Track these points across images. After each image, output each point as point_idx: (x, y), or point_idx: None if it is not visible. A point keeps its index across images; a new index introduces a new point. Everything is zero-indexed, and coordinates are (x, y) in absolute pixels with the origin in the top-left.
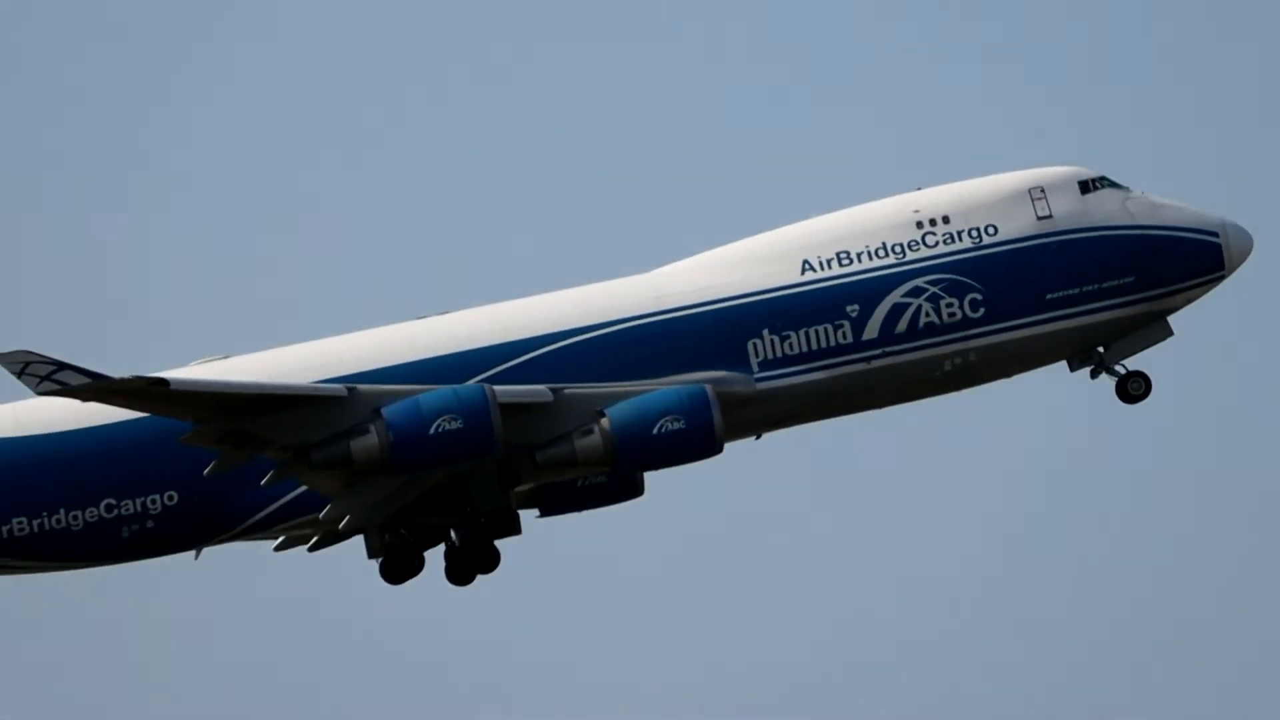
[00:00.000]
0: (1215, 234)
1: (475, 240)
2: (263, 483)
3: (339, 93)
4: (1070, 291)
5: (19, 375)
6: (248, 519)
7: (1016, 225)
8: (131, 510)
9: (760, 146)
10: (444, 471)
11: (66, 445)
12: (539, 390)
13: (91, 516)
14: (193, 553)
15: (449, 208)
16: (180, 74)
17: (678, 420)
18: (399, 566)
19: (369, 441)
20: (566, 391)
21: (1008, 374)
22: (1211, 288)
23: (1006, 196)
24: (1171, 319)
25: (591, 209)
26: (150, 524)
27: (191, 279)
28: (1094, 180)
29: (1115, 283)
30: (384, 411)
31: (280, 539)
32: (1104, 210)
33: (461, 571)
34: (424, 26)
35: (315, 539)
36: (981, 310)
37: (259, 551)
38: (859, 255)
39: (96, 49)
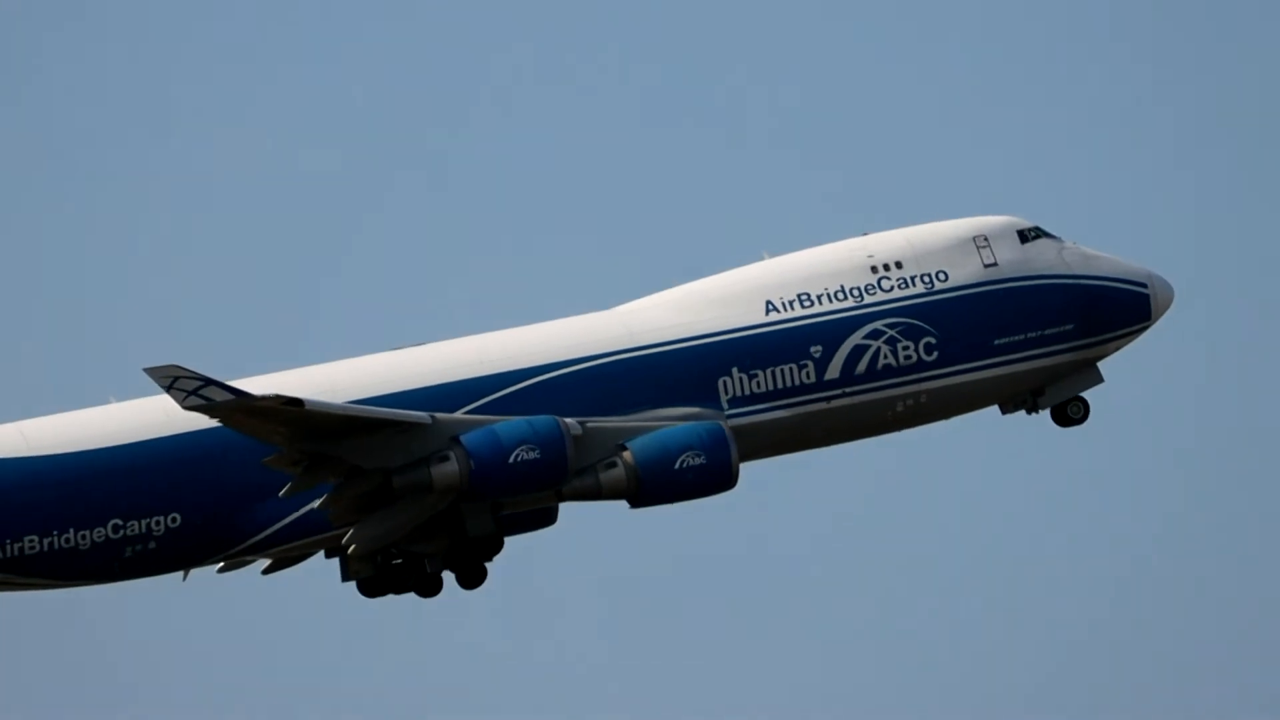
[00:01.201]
0: (1144, 285)
1: (433, 276)
2: (328, 513)
3: (301, 132)
4: (1016, 337)
5: (168, 389)
6: (246, 541)
7: (965, 272)
8: (136, 531)
9: (680, 192)
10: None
11: (76, 466)
12: (572, 424)
13: (99, 536)
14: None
15: (402, 246)
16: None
17: (699, 456)
18: (383, 586)
19: (449, 469)
20: (590, 425)
21: (953, 415)
22: (1139, 335)
23: (953, 244)
24: (1101, 365)
25: (534, 247)
26: (152, 545)
27: (161, 312)
28: (1030, 230)
29: (1056, 330)
30: (463, 439)
31: (221, 564)
32: (1043, 260)
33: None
34: (371, 79)
35: (270, 562)
36: (935, 354)
37: (206, 574)
38: (819, 297)
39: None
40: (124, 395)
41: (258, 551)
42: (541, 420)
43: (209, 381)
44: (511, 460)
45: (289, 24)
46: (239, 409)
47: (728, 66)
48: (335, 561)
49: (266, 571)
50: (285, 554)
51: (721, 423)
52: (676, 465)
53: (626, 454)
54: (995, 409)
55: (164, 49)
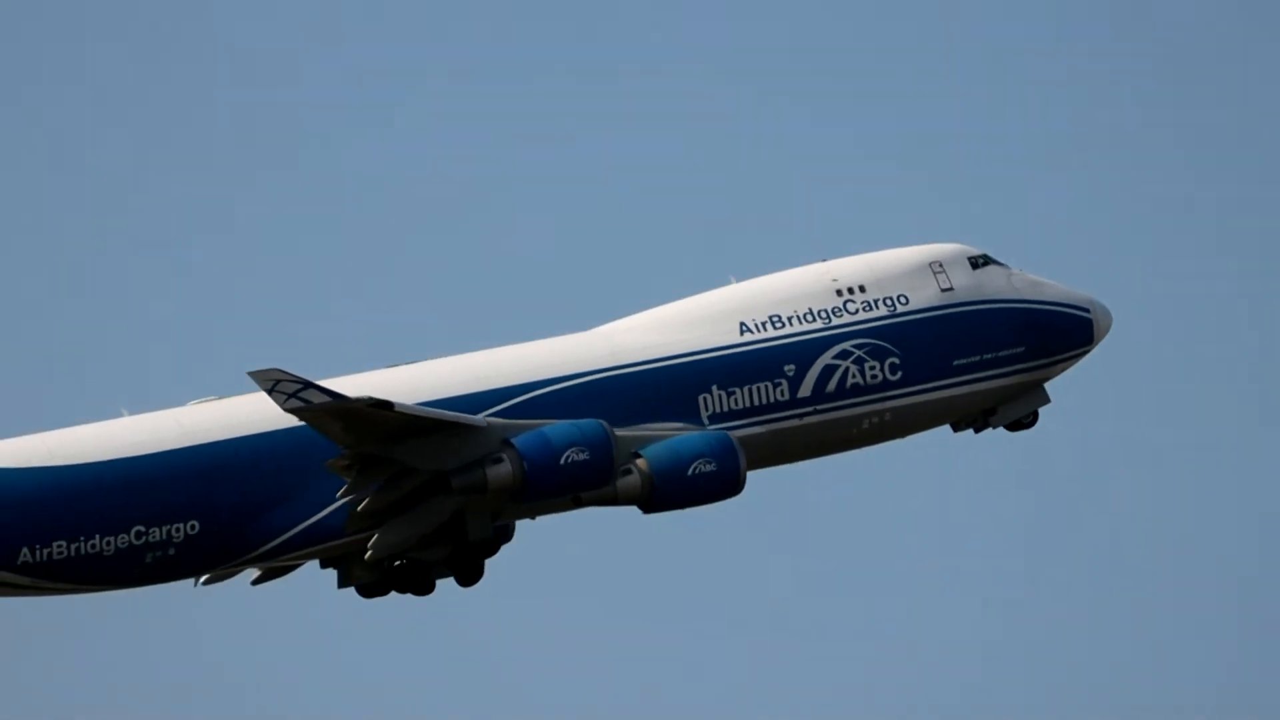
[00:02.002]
0: (1086, 310)
1: (415, 296)
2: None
3: (293, 161)
4: (973, 358)
5: (269, 391)
6: (259, 548)
7: (924, 296)
8: (157, 538)
9: (642, 216)
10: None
11: (100, 475)
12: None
13: (122, 543)
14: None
15: (380, 267)
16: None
17: (710, 463)
18: (383, 589)
19: (504, 470)
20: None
21: (913, 432)
22: (1081, 359)
23: (911, 269)
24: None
25: (497, 271)
26: (172, 551)
27: (159, 336)
28: (979, 257)
29: (1009, 352)
30: (515, 442)
31: (206, 575)
32: (994, 285)
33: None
34: (342, 101)
35: (260, 574)
36: (899, 373)
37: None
38: (789, 319)
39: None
40: (133, 408)
41: (270, 559)
42: (588, 424)
43: (308, 384)
44: (563, 462)
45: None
46: (331, 411)
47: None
48: (321, 571)
49: (256, 582)
50: (278, 566)
51: (729, 433)
52: (689, 472)
53: (641, 461)
54: (946, 428)
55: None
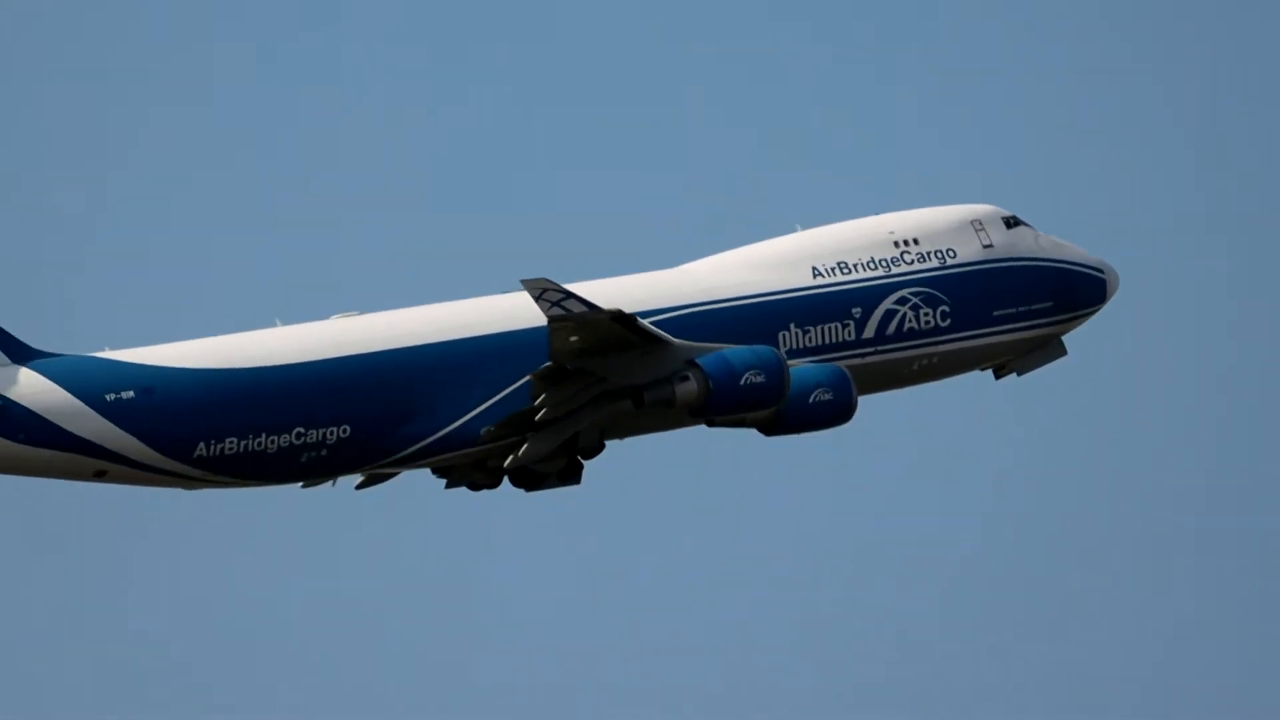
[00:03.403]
0: (1101, 271)
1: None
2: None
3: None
4: (1010, 310)
5: (537, 298)
6: (401, 452)
7: (969, 251)
8: (314, 439)
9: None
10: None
11: (269, 379)
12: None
13: (284, 442)
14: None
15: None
16: None
17: (828, 393)
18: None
19: (691, 388)
20: None
21: (951, 375)
22: (1093, 316)
23: (956, 226)
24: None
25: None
26: (324, 452)
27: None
28: (1011, 218)
29: (1040, 306)
30: (700, 362)
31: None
32: (1026, 244)
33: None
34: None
35: (363, 479)
36: (949, 320)
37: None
38: (855, 265)
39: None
40: (287, 319)
41: (409, 463)
42: (763, 349)
43: (569, 295)
44: (742, 383)
45: None
46: (583, 320)
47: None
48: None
49: (359, 487)
50: (388, 472)
51: (843, 367)
52: (810, 400)
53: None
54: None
55: None
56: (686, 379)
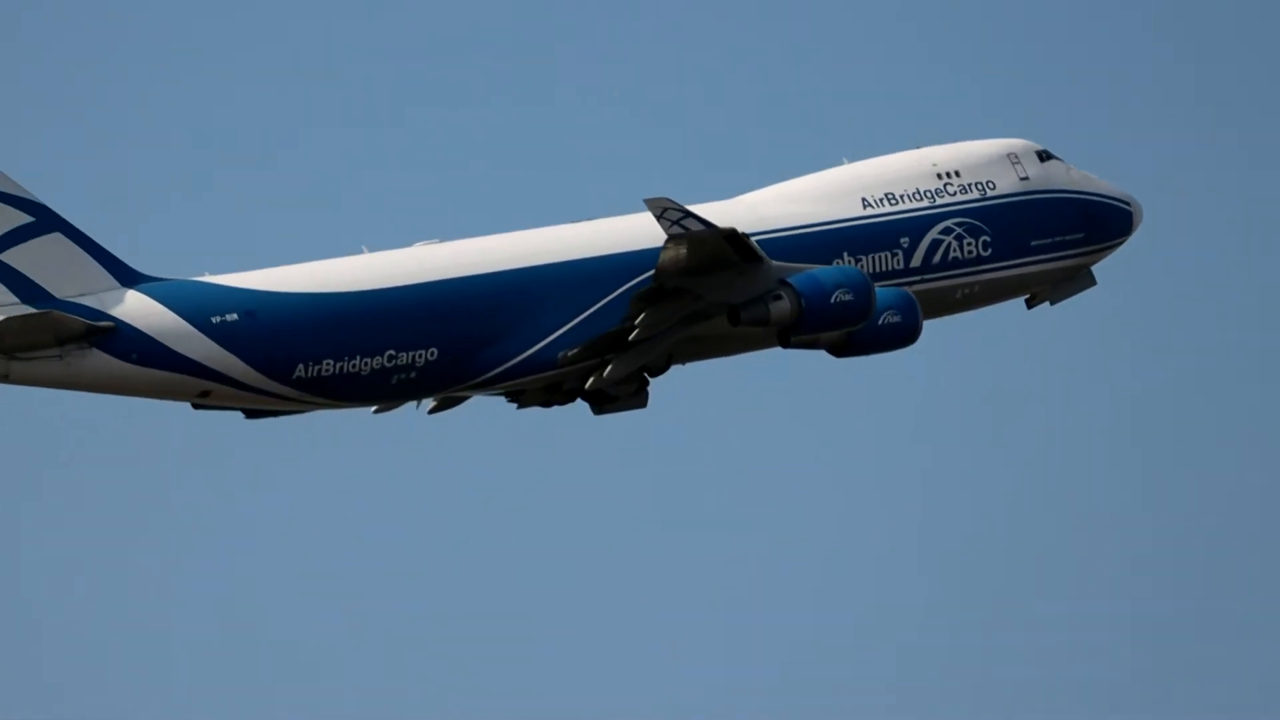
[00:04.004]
0: (1127, 204)
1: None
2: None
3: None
4: (1045, 240)
5: (658, 217)
6: (483, 375)
7: (1006, 183)
8: (404, 362)
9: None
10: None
11: (361, 303)
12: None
13: (376, 364)
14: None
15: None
16: None
17: (896, 315)
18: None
19: (784, 306)
20: None
21: (990, 304)
22: (1119, 247)
23: (993, 159)
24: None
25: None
26: (413, 374)
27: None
28: (1043, 152)
29: (1073, 236)
30: (792, 281)
31: (432, 404)
32: (1058, 177)
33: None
34: None
35: (435, 403)
36: (990, 250)
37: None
38: (901, 196)
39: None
40: (373, 246)
41: (490, 386)
42: (849, 269)
43: (688, 214)
44: (833, 301)
45: None
46: (700, 238)
47: None
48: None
49: (432, 411)
50: (459, 396)
51: (909, 291)
52: (880, 322)
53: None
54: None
55: None
56: (780, 298)
